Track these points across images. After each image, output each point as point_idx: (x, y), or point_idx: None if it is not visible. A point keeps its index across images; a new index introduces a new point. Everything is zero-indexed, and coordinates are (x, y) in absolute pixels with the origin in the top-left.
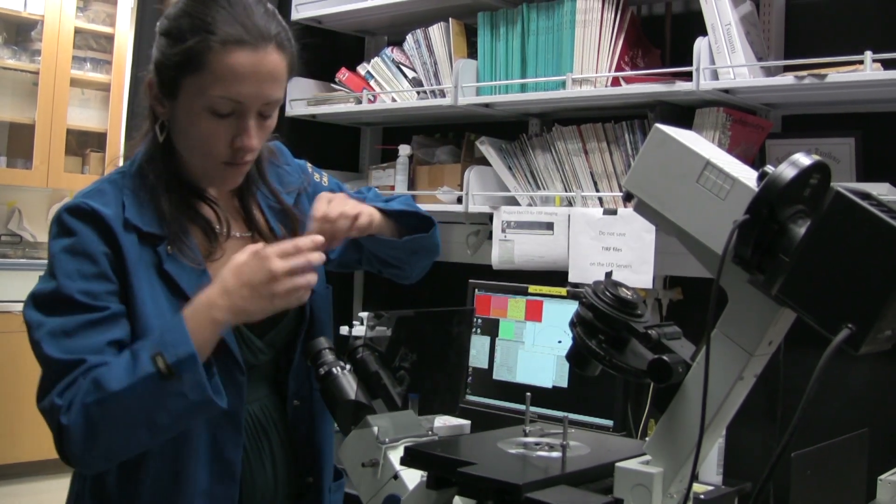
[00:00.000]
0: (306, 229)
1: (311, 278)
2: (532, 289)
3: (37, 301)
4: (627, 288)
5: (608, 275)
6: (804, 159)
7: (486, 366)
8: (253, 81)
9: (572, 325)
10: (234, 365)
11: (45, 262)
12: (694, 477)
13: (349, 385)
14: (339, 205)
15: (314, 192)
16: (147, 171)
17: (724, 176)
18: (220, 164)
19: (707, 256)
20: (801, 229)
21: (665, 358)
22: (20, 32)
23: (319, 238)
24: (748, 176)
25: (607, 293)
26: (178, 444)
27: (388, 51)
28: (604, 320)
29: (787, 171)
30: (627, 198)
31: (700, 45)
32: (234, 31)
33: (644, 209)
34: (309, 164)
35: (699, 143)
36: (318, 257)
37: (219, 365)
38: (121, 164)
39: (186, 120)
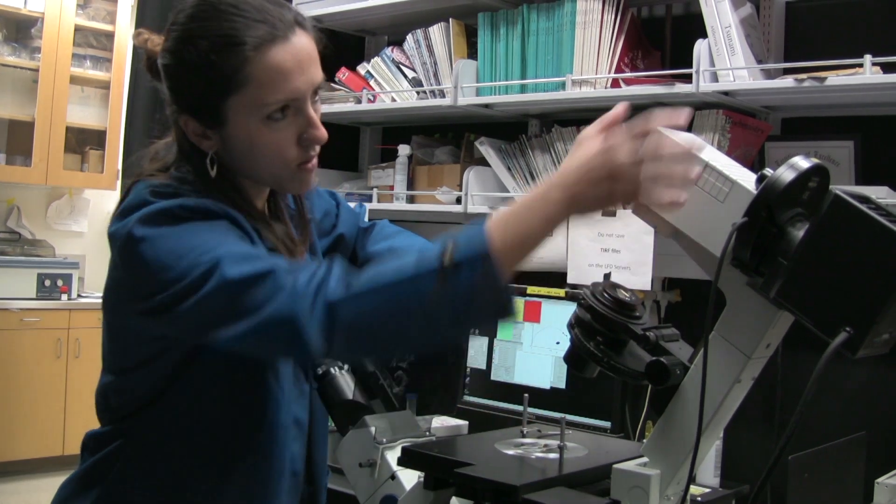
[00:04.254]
0: None
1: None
2: (530, 290)
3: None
4: (626, 290)
5: (607, 276)
6: (803, 162)
7: (483, 366)
8: (299, 72)
9: (570, 326)
10: (301, 371)
11: (44, 259)
12: (691, 479)
13: (347, 385)
14: None
15: (311, 200)
16: (225, 200)
17: (722, 178)
18: (294, 168)
19: (705, 259)
20: (799, 232)
21: (663, 360)
22: (20, 29)
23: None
24: (747, 178)
25: (606, 295)
26: (268, 462)
27: (388, 51)
28: (602, 322)
29: (786, 174)
30: None
31: (700, 47)
32: (261, 32)
33: (642, 211)
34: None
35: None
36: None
37: (286, 371)
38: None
39: (245, 140)
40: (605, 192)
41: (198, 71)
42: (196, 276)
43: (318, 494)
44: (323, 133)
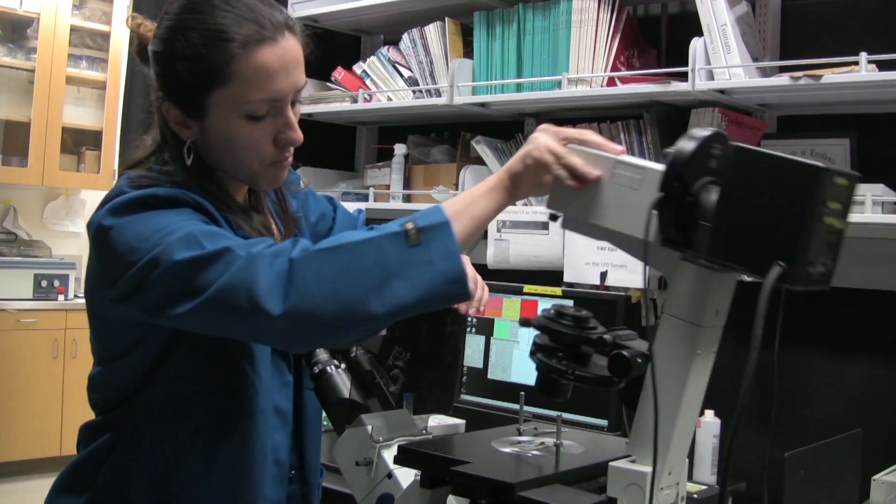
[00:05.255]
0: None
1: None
2: (527, 288)
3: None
4: (576, 308)
5: (603, 275)
6: (701, 132)
7: (480, 365)
8: (283, 74)
9: (532, 354)
10: (283, 362)
11: (41, 259)
12: (660, 456)
13: (343, 384)
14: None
15: (305, 202)
16: (200, 188)
17: (634, 168)
18: (267, 165)
19: (638, 247)
20: (713, 195)
21: (624, 353)
22: (16, 30)
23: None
24: (658, 167)
25: (556, 314)
26: (249, 448)
27: (384, 50)
28: (558, 338)
29: (687, 144)
30: (553, 218)
31: (696, 45)
32: (250, 31)
33: (571, 224)
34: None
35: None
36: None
37: (273, 358)
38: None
39: (223, 134)
40: (524, 151)
41: (186, 61)
42: (151, 257)
43: (310, 494)
44: (299, 135)
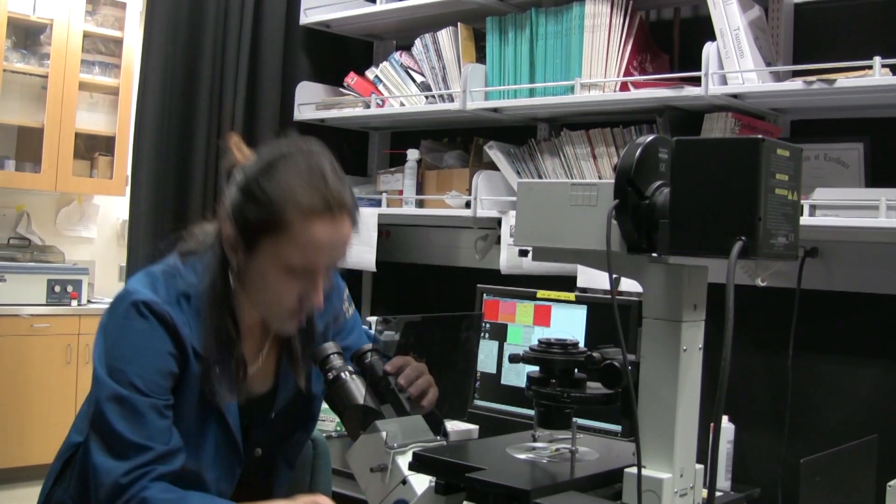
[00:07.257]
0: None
1: None
2: (540, 294)
3: (104, 370)
4: (558, 339)
5: (617, 280)
6: (644, 137)
7: (494, 371)
8: (329, 250)
9: (527, 388)
10: (236, 459)
11: (54, 265)
12: (668, 462)
13: (357, 390)
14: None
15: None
16: (208, 305)
17: (587, 186)
18: (285, 314)
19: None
20: (667, 193)
21: (614, 363)
22: (29, 36)
23: None
24: (610, 180)
25: (546, 345)
26: None
27: (396, 55)
28: (548, 366)
29: (632, 149)
30: (523, 253)
31: (709, 50)
32: (315, 202)
33: (542, 254)
34: (346, 290)
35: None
36: None
37: (220, 454)
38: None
39: (259, 274)
40: None
41: (256, 203)
42: (105, 395)
43: None
44: (320, 302)
